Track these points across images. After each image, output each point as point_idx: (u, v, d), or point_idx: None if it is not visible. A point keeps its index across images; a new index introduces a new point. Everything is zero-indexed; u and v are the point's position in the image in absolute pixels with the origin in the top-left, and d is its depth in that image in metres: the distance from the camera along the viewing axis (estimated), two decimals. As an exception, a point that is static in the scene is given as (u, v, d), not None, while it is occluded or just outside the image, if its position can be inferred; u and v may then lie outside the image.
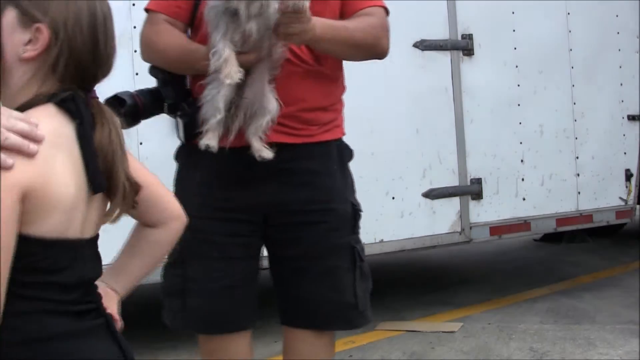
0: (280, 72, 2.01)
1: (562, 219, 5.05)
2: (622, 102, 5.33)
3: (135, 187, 1.41)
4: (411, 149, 4.45)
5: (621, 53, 5.34)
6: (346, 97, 2.27)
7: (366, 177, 3.84)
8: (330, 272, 2.13)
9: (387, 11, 2.19)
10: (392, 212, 4.31)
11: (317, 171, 2.14)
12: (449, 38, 4.60)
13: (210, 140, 1.95)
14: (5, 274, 1.20)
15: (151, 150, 3.57)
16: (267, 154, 1.98)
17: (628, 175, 5.33)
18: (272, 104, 1.98)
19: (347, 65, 2.25)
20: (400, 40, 3.83)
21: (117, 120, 1.39)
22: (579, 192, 5.10)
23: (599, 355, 3.74)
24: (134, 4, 3.60)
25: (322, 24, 1.98)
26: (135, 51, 3.66)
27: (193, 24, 2.12)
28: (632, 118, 5.36)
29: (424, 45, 4.49)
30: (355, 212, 2.19)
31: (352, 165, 2.27)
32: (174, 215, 1.54)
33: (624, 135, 5.34)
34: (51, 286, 1.29)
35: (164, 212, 1.52)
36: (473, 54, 4.66)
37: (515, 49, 4.85)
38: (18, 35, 1.31)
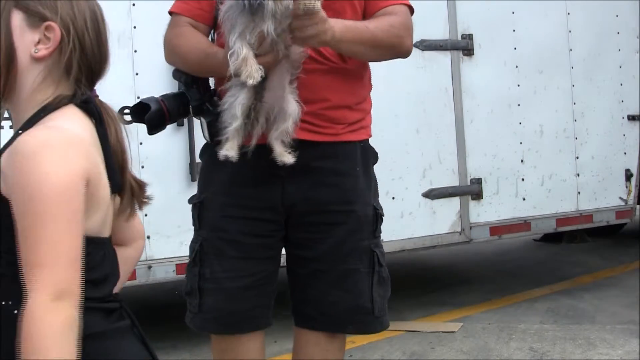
0: (304, 70, 1.98)
1: (562, 219, 5.04)
2: (622, 102, 5.33)
3: (141, 185, 1.42)
4: (411, 149, 4.44)
5: (621, 53, 5.34)
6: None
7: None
8: (348, 275, 2.11)
9: (411, 9, 2.15)
10: (392, 212, 4.29)
11: (340, 172, 2.11)
12: (449, 38, 4.60)
13: (228, 150, 1.92)
14: (80, 269, 1.21)
15: (151, 150, 3.55)
16: (289, 158, 1.96)
17: (628, 175, 5.33)
18: (292, 107, 1.95)
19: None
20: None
21: (120, 119, 1.41)
22: (579, 192, 5.10)
23: (599, 355, 3.74)
24: (134, 4, 3.57)
25: (341, 26, 1.94)
26: (136, 51, 3.66)
27: (216, 25, 2.10)
28: (632, 118, 5.36)
29: (423, 45, 4.49)
30: (377, 215, 2.15)
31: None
32: (141, 234, 1.55)
33: (624, 135, 5.34)
34: (85, 283, 1.28)
35: (134, 229, 1.53)
36: (473, 54, 4.66)
37: (515, 49, 4.85)
38: (28, 36, 1.33)
